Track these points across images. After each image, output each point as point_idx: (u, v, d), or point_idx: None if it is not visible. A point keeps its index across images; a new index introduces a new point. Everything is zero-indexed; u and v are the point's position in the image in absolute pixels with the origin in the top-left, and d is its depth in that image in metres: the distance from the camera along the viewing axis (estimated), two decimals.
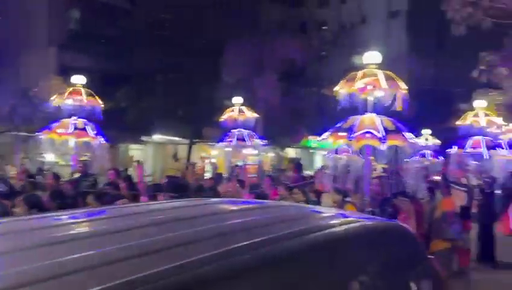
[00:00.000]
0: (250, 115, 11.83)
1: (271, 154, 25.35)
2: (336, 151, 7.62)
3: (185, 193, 5.75)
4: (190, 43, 17.58)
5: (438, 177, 10.48)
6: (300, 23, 21.63)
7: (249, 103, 13.73)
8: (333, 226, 1.85)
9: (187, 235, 1.45)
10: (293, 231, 1.60)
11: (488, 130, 9.91)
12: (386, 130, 6.03)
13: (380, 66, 6.39)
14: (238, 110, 11.76)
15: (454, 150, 10.02)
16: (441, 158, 14.35)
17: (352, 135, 6.08)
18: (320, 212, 2.41)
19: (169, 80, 17.38)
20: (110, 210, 2.12)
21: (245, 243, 1.37)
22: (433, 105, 23.09)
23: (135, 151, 20.53)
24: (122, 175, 8.77)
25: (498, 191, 11.47)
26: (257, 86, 16.25)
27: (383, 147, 5.93)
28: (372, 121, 6.22)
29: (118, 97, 17.02)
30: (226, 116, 11.87)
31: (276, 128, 19.77)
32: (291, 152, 26.93)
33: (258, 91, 16.20)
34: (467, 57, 11.55)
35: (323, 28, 28.50)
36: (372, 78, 6.13)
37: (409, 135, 6.17)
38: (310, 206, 3.11)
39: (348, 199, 6.94)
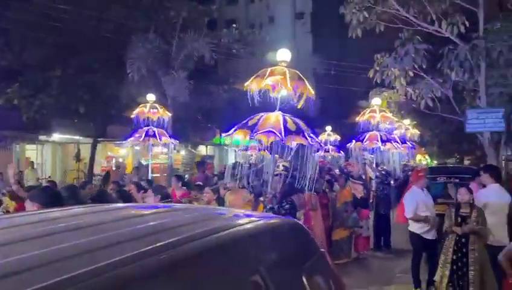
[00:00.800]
0: (163, 112, 11.47)
1: (183, 153, 25.03)
2: (247, 148, 7.72)
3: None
4: (92, 36, 16.64)
5: (338, 171, 11.15)
6: (209, 21, 21.52)
7: (157, 100, 13.37)
8: (226, 228, 1.84)
9: (80, 245, 1.36)
10: (182, 237, 1.56)
11: (381, 125, 10.65)
12: (288, 131, 6.14)
13: (288, 65, 6.54)
14: (149, 107, 11.35)
15: (352, 144, 10.62)
16: (342, 153, 15.30)
17: (254, 133, 6.13)
18: (215, 214, 2.38)
19: (69, 75, 16.23)
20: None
21: (135, 252, 1.33)
22: (336, 102, 24.53)
23: (32, 152, 18.94)
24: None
25: (392, 183, 12.49)
26: (166, 83, 15.87)
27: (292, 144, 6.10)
28: (277, 119, 6.32)
29: (10, 94, 15.55)
30: (137, 112, 11.35)
31: (187, 126, 19.51)
32: (204, 150, 26.83)
33: (167, 88, 15.83)
34: (365, 57, 12.38)
35: (233, 26, 28.66)
36: (279, 77, 6.21)
37: (308, 134, 6.30)
38: (205, 208, 3.07)
39: (261, 198, 7.07)
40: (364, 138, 10.40)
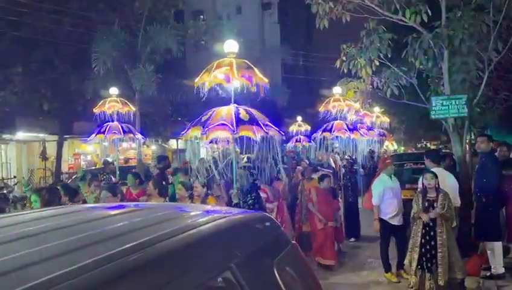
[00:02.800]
0: (128, 107, 11.23)
1: (154, 147, 24.68)
2: (216, 141, 7.65)
3: None
4: (54, 30, 16.08)
5: (306, 161, 11.22)
6: (175, 12, 21.14)
7: (124, 95, 13.09)
8: (194, 226, 1.81)
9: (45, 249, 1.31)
10: (153, 237, 1.53)
11: (348, 114, 10.78)
12: (240, 121, 6.03)
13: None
14: (114, 101, 11.08)
15: (319, 134, 10.70)
16: (313, 142, 15.38)
17: (206, 128, 6.04)
18: (183, 211, 2.33)
19: (31, 71, 15.65)
20: None
21: (104, 254, 1.29)
22: (306, 93, 24.73)
23: None
24: None
25: (360, 170, 12.70)
26: (133, 77, 15.55)
27: (257, 137, 6.01)
28: (229, 111, 6.24)
29: None
30: (100, 107, 11.06)
31: (157, 120, 19.23)
32: (175, 144, 26.51)
33: (134, 82, 15.51)
34: (332, 48, 12.46)
35: (200, 17, 28.31)
36: (225, 68, 6.13)
37: (263, 123, 6.18)
38: (167, 206, 3.00)
39: (210, 191, 7.03)
40: (332, 127, 10.49)
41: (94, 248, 1.38)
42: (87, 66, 15.24)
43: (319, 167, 9.88)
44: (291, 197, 8.96)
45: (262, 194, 7.20)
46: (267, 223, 2.34)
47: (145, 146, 23.11)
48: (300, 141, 16.42)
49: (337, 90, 10.67)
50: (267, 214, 2.62)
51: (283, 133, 6.50)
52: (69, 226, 1.71)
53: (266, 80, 6.42)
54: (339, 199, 10.00)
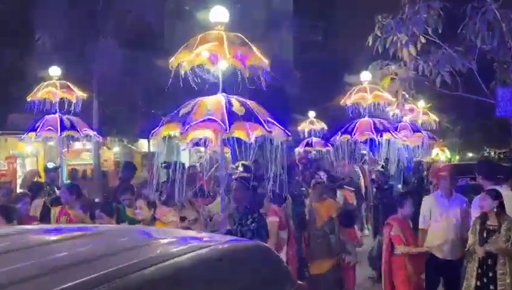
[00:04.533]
0: (75, 93, 11.02)
1: (116, 149, 24.71)
2: (204, 143, 7.61)
3: None
4: None
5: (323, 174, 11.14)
6: None
7: (79, 77, 13.12)
8: (175, 255, 1.84)
9: None
10: (125, 266, 1.59)
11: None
12: (234, 116, 5.95)
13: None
14: (52, 86, 10.77)
15: (339, 136, 10.67)
16: (331, 147, 15.35)
17: (186, 126, 5.93)
18: (161, 237, 2.37)
19: None
20: None
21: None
22: (321, 79, 24.61)
23: None
24: None
25: (399, 186, 12.65)
26: (90, 54, 15.59)
27: (251, 138, 5.96)
28: (218, 103, 6.14)
29: None
30: (35, 94, 10.76)
31: (121, 113, 19.22)
32: (146, 145, 26.43)
33: (92, 61, 15.55)
34: (362, 19, 12.47)
35: None
36: (212, 44, 6.03)
37: (265, 120, 6.10)
38: (131, 230, 3.01)
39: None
40: (354, 127, 10.46)
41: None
42: (27, 38, 15.26)
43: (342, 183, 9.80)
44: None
45: (273, 218, 7.12)
46: (266, 258, 2.33)
47: (104, 148, 23.14)
48: (312, 145, 16.29)
49: (365, 76, 10.63)
50: (263, 243, 2.59)
51: (289, 134, 6.42)
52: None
53: (266, 61, 6.33)
54: (367, 226, 9.98)
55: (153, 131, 6.64)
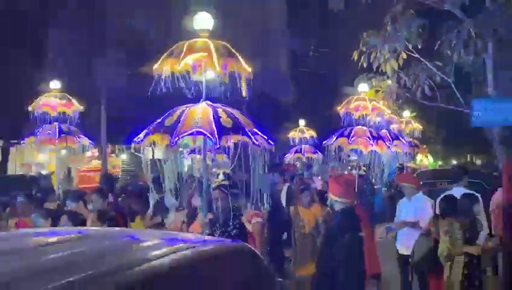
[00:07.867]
0: (75, 106, 11.01)
1: (124, 157, 24.65)
2: (197, 151, 7.48)
3: None
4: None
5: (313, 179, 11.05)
6: None
7: (87, 89, 13.12)
8: (160, 256, 1.83)
9: None
10: (112, 267, 1.59)
11: (370, 118, 10.64)
12: (223, 129, 5.62)
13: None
14: (47, 96, 10.89)
15: (333, 140, 10.49)
16: (320, 154, 15.24)
17: (175, 139, 5.59)
18: (146, 239, 2.36)
19: None
20: None
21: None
22: (311, 90, 24.56)
23: None
24: None
25: (385, 192, 12.64)
26: (99, 66, 15.57)
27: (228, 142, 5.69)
28: (205, 114, 5.75)
29: None
30: (38, 104, 10.79)
31: (125, 122, 19.17)
32: (151, 153, 26.29)
33: (100, 73, 15.53)
34: (349, 37, 12.46)
35: None
36: (201, 54, 5.71)
37: (251, 131, 5.78)
38: (131, 231, 3.03)
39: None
40: (351, 133, 10.35)
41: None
42: (40, 53, 15.28)
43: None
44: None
45: (256, 219, 6.93)
46: (247, 257, 2.35)
47: (113, 155, 23.10)
48: (302, 152, 16.25)
49: (362, 87, 10.58)
50: (247, 245, 2.61)
51: (272, 143, 6.14)
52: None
53: (248, 70, 5.96)
54: None
55: (135, 138, 6.14)
